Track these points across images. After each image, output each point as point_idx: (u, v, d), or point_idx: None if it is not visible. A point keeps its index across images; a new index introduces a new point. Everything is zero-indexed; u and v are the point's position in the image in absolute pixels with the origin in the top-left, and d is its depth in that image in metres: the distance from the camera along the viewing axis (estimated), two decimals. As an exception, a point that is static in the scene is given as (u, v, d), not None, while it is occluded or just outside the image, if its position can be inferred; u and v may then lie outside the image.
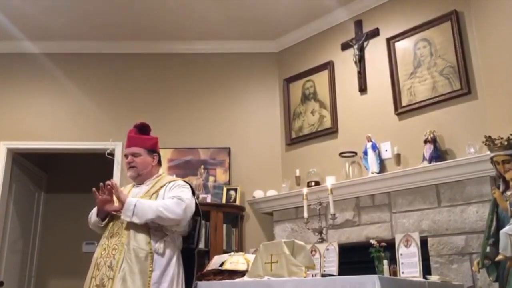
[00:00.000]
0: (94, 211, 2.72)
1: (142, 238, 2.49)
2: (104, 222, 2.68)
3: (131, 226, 2.51)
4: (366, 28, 4.40)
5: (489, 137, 2.82)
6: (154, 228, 2.53)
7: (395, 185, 3.73)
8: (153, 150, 2.81)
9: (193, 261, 2.74)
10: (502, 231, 2.48)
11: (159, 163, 2.86)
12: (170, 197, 2.57)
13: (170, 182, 2.73)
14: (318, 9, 4.59)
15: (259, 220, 4.72)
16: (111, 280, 2.40)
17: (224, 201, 4.58)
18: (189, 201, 2.59)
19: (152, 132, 2.91)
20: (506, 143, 2.73)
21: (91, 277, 2.50)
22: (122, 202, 2.50)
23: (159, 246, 2.50)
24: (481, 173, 3.27)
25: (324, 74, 4.64)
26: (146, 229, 2.52)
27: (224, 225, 4.38)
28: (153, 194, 2.64)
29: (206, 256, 4.09)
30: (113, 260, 2.45)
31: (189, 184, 2.75)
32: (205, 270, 3.19)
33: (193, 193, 2.73)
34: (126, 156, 2.77)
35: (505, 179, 2.73)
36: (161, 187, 2.69)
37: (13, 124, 4.87)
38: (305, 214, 3.35)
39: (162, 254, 2.50)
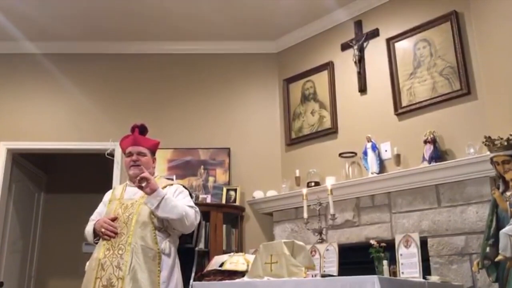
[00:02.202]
0: (91, 228, 2.67)
1: (149, 237, 2.48)
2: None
3: (137, 225, 2.50)
4: (366, 29, 4.40)
5: (489, 137, 2.81)
6: (158, 229, 2.53)
7: (395, 186, 3.73)
8: (154, 152, 2.82)
9: (192, 260, 2.74)
10: (502, 232, 2.49)
11: None
12: (188, 206, 2.57)
13: (167, 185, 2.70)
14: (318, 10, 4.59)
15: (259, 220, 4.72)
16: (121, 280, 2.37)
17: (224, 201, 4.58)
18: (199, 211, 2.64)
19: (152, 132, 2.90)
20: (506, 143, 2.72)
21: (95, 277, 2.44)
22: (152, 189, 2.46)
23: (165, 246, 2.51)
24: (481, 173, 3.27)
25: (324, 74, 4.64)
26: (152, 229, 2.51)
27: (224, 226, 4.37)
28: None
29: (206, 256, 4.09)
30: (120, 260, 2.42)
31: (187, 189, 2.75)
32: (205, 270, 3.19)
33: (190, 196, 2.74)
34: (130, 154, 2.71)
35: (505, 179, 2.73)
36: None
37: (13, 124, 4.87)
38: (305, 215, 3.35)
39: (169, 255, 2.51)
